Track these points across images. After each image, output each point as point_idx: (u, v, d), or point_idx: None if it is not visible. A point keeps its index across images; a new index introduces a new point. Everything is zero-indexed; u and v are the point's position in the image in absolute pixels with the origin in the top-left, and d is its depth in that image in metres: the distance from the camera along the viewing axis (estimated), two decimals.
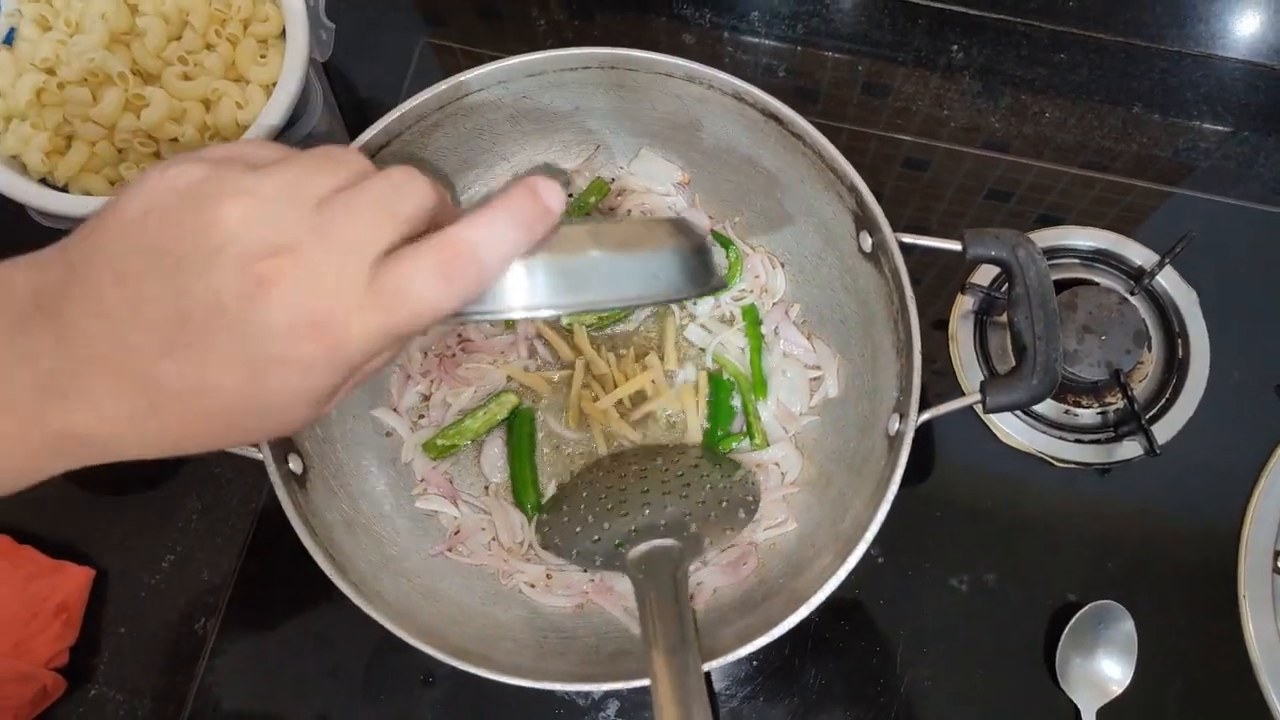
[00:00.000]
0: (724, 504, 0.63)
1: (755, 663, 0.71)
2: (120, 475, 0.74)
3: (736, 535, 0.63)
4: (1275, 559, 0.70)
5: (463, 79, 0.64)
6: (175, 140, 0.73)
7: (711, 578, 0.66)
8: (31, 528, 0.74)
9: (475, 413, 0.70)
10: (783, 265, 0.73)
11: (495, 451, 0.71)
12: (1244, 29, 0.88)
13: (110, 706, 0.71)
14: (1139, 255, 0.77)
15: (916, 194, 0.83)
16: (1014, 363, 0.57)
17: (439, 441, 0.70)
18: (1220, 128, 0.85)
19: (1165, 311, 0.76)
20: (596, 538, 0.63)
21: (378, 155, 0.65)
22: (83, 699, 0.71)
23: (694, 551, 0.60)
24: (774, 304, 0.73)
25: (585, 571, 0.67)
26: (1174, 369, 0.75)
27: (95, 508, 0.76)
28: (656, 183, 0.75)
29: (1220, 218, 0.82)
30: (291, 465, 0.59)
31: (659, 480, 0.66)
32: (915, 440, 0.56)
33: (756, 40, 0.89)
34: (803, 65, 0.88)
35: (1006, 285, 0.58)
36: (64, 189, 0.73)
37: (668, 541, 0.60)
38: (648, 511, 0.63)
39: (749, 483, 0.66)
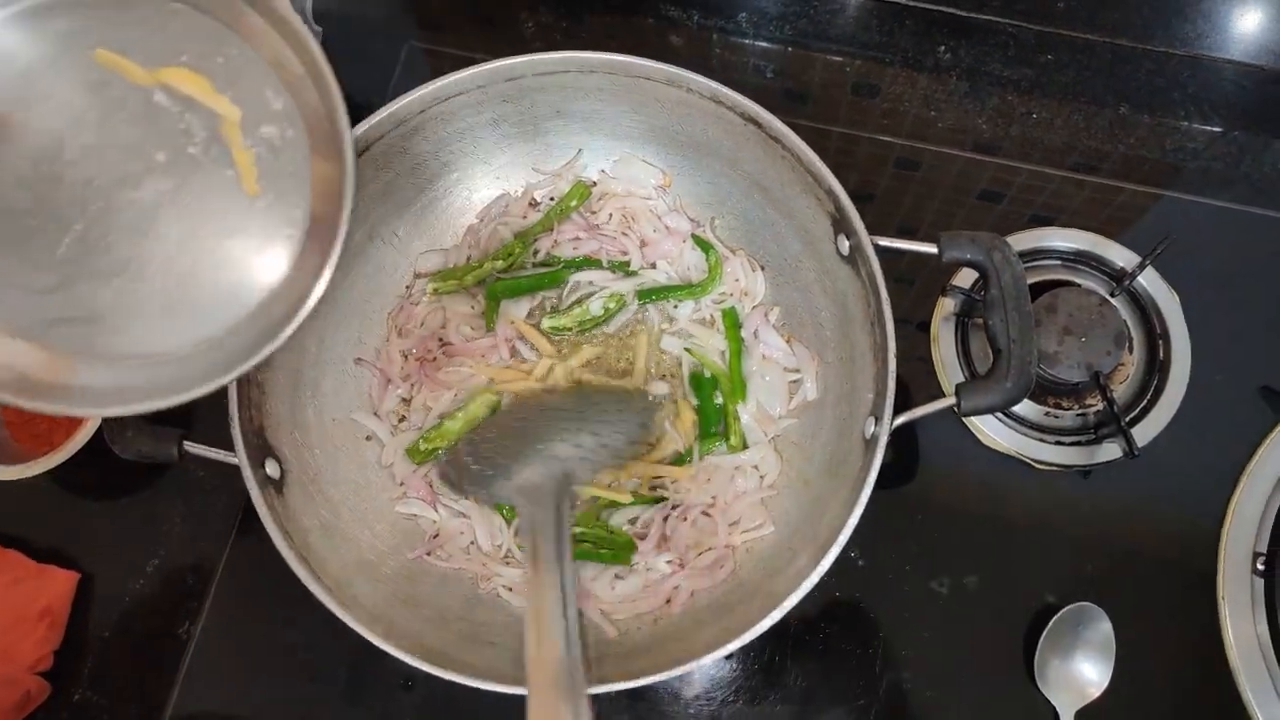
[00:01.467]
0: (616, 434, 0.64)
1: (737, 665, 0.71)
2: (105, 480, 0.75)
3: (623, 462, 0.65)
4: (1255, 560, 0.70)
5: (442, 83, 0.64)
6: None
7: (689, 581, 0.66)
8: (16, 532, 0.75)
9: (455, 414, 0.70)
10: (762, 268, 0.74)
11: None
12: (1231, 29, 0.87)
13: (94, 710, 0.71)
14: (1121, 257, 0.77)
15: (908, 196, 0.83)
16: (993, 359, 0.57)
17: (422, 446, 0.70)
18: (1208, 128, 0.85)
19: (1147, 313, 0.76)
20: (490, 473, 0.62)
21: (364, 155, 0.65)
22: (67, 703, 0.72)
23: (576, 478, 0.61)
24: (754, 307, 0.73)
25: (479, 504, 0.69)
26: (1155, 370, 0.75)
27: (80, 512, 0.76)
28: (638, 185, 0.75)
29: (1204, 219, 0.82)
30: (268, 470, 0.60)
31: (559, 421, 0.65)
32: (896, 443, 0.56)
33: (745, 42, 0.89)
34: (791, 67, 0.88)
35: (982, 285, 0.58)
36: None
37: (550, 469, 0.61)
38: (539, 447, 0.62)
39: (647, 415, 0.68)
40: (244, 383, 0.60)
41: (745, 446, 0.70)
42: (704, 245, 0.74)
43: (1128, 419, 0.73)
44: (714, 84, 0.63)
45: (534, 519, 0.57)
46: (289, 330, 0.50)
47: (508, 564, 0.68)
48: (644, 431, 0.67)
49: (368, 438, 0.71)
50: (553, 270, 0.73)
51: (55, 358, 0.51)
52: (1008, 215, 0.82)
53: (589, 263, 0.74)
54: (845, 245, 0.62)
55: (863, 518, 0.56)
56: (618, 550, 0.67)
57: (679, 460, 0.70)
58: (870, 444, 0.57)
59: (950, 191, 0.84)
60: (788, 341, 0.72)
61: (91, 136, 0.51)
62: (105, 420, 0.58)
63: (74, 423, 0.73)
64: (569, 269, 0.74)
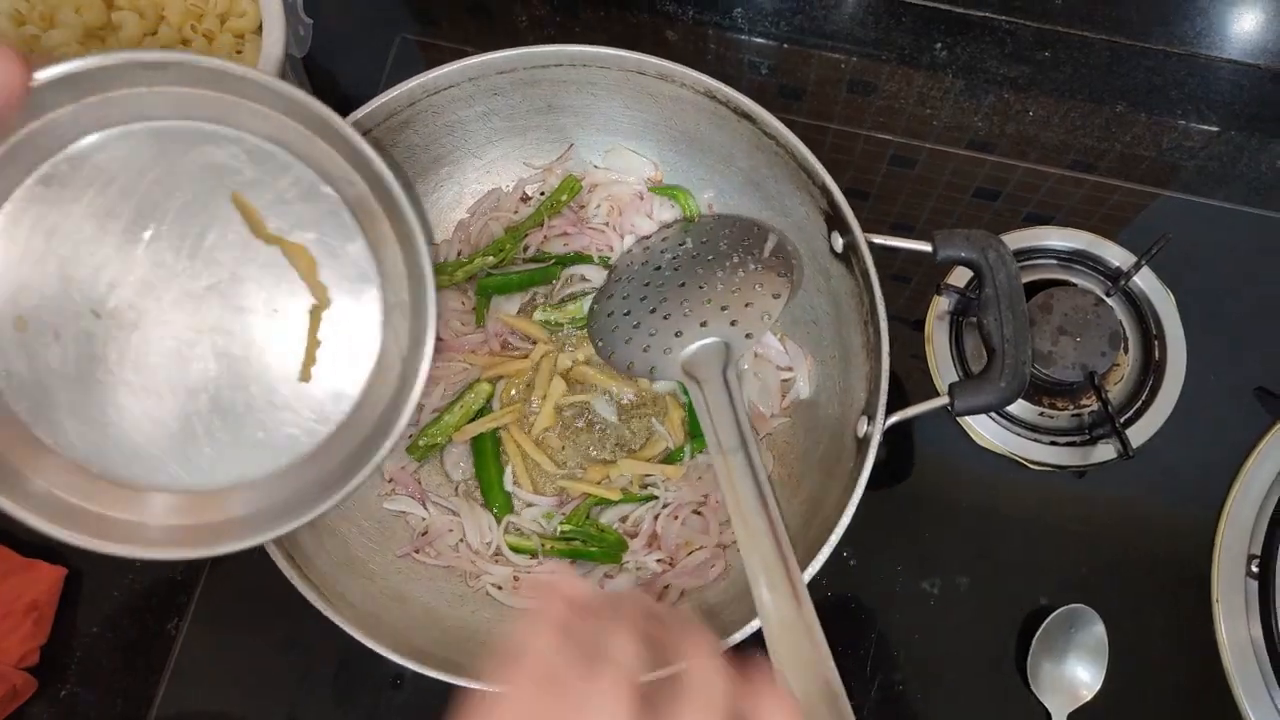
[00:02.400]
0: (758, 287, 0.65)
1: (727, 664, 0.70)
2: None
3: (773, 318, 0.64)
4: (1250, 563, 0.69)
5: (433, 75, 0.64)
6: None
7: (679, 580, 0.65)
8: (3, 525, 0.74)
9: (452, 407, 0.70)
10: None
11: (459, 450, 0.70)
12: (1230, 28, 0.87)
13: (81, 706, 0.71)
14: (1117, 256, 0.77)
15: (903, 193, 0.83)
16: (986, 359, 0.57)
17: (421, 442, 0.69)
18: (1205, 127, 0.85)
19: (1142, 313, 0.76)
20: (645, 346, 0.65)
21: None
22: (54, 698, 0.71)
23: (740, 347, 0.63)
24: None
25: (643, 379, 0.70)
26: (1150, 370, 0.74)
27: None
28: (627, 174, 0.74)
29: (1201, 219, 0.81)
30: None
31: (696, 283, 0.67)
32: (890, 442, 0.56)
33: (740, 38, 0.88)
34: (787, 63, 0.87)
35: (977, 284, 0.57)
36: None
37: (711, 339, 0.63)
38: (687, 313, 0.65)
39: (783, 249, 0.67)
40: None
41: None
42: (673, 193, 0.73)
43: (1123, 419, 0.73)
44: (708, 79, 0.62)
45: (706, 401, 0.59)
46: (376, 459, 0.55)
47: (497, 562, 0.67)
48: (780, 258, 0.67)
49: None
50: (544, 266, 0.73)
51: (195, 499, 0.55)
52: (1004, 213, 0.82)
53: (580, 259, 0.73)
54: (839, 243, 0.61)
55: (855, 517, 0.56)
56: (608, 549, 0.67)
57: (670, 458, 0.69)
58: (863, 444, 0.57)
59: (946, 189, 0.83)
60: (781, 339, 0.71)
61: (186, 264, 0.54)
62: None
63: None
64: (560, 265, 0.73)
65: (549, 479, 0.70)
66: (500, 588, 0.66)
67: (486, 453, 0.69)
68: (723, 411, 0.57)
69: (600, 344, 0.68)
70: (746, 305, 0.64)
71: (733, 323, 0.63)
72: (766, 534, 0.51)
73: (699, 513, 0.68)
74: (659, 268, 0.69)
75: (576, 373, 0.71)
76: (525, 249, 0.74)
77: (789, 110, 0.85)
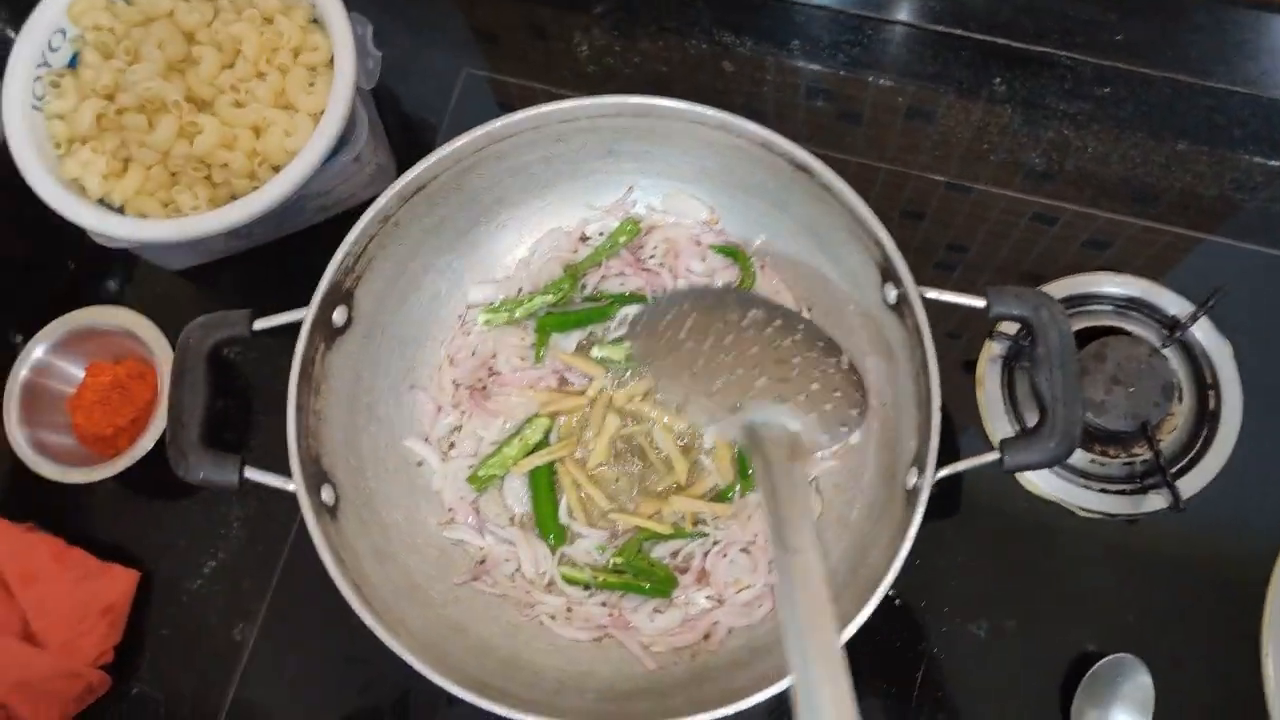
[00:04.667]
0: (835, 394, 0.59)
1: (773, 699, 0.71)
2: (166, 485, 0.77)
3: (845, 438, 0.61)
4: None
5: (498, 125, 0.65)
6: (226, 165, 0.76)
7: (727, 617, 0.67)
8: (82, 532, 0.77)
9: (511, 440, 0.72)
10: (809, 309, 0.74)
11: (518, 482, 0.73)
12: None
13: (151, 705, 0.75)
14: (1173, 304, 0.76)
15: (956, 227, 0.83)
16: (1038, 413, 0.57)
17: (481, 474, 0.71)
18: (1270, 163, 0.83)
19: (1198, 362, 0.75)
20: (709, 391, 0.59)
21: (419, 193, 0.67)
22: (125, 696, 0.75)
23: (811, 446, 0.58)
24: None
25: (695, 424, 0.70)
26: (1204, 421, 0.74)
27: (142, 512, 0.79)
28: (684, 218, 0.76)
29: (1260, 267, 0.80)
30: (324, 496, 0.61)
31: (774, 355, 0.60)
32: (940, 484, 0.56)
33: (798, 66, 0.89)
34: (845, 90, 0.88)
35: (1029, 339, 0.58)
36: (120, 210, 0.76)
37: (783, 424, 0.57)
38: (761, 381, 0.58)
39: (853, 376, 0.60)
40: (302, 411, 0.62)
41: None
42: (731, 253, 0.74)
43: (1174, 469, 0.72)
44: (764, 131, 0.63)
45: (773, 485, 0.52)
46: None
47: (550, 592, 0.69)
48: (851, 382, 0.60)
49: (419, 464, 0.73)
50: (600, 306, 0.75)
51: None
52: (1059, 253, 0.81)
53: (635, 298, 0.75)
54: (892, 294, 0.62)
55: (899, 570, 0.56)
56: (658, 584, 0.68)
57: (720, 496, 0.71)
58: (912, 495, 0.58)
59: (999, 225, 0.83)
60: None
61: None
62: (168, 443, 0.60)
63: (138, 429, 0.77)
64: (617, 303, 0.75)
65: (602, 512, 0.72)
66: (554, 618, 0.68)
67: (542, 485, 0.71)
68: (791, 505, 0.51)
69: (648, 361, 0.64)
70: (826, 407, 0.58)
71: (809, 415, 0.58)
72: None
73: (747, 551, 0.69)
74: (727, 320, 0.61)
75: (632, 408, 0.73)
76: (583, 288, 0.76)
77: (846, 140, 0.85)
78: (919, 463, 0.58)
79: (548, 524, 0.70)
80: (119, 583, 0.75)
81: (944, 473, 0.57)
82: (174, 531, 0.79)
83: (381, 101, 0.88)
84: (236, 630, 0.76)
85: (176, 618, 0.77)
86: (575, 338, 0.75)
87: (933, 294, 0.59)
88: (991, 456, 0.57)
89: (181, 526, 0.79)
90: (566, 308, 0.75)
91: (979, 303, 0.58)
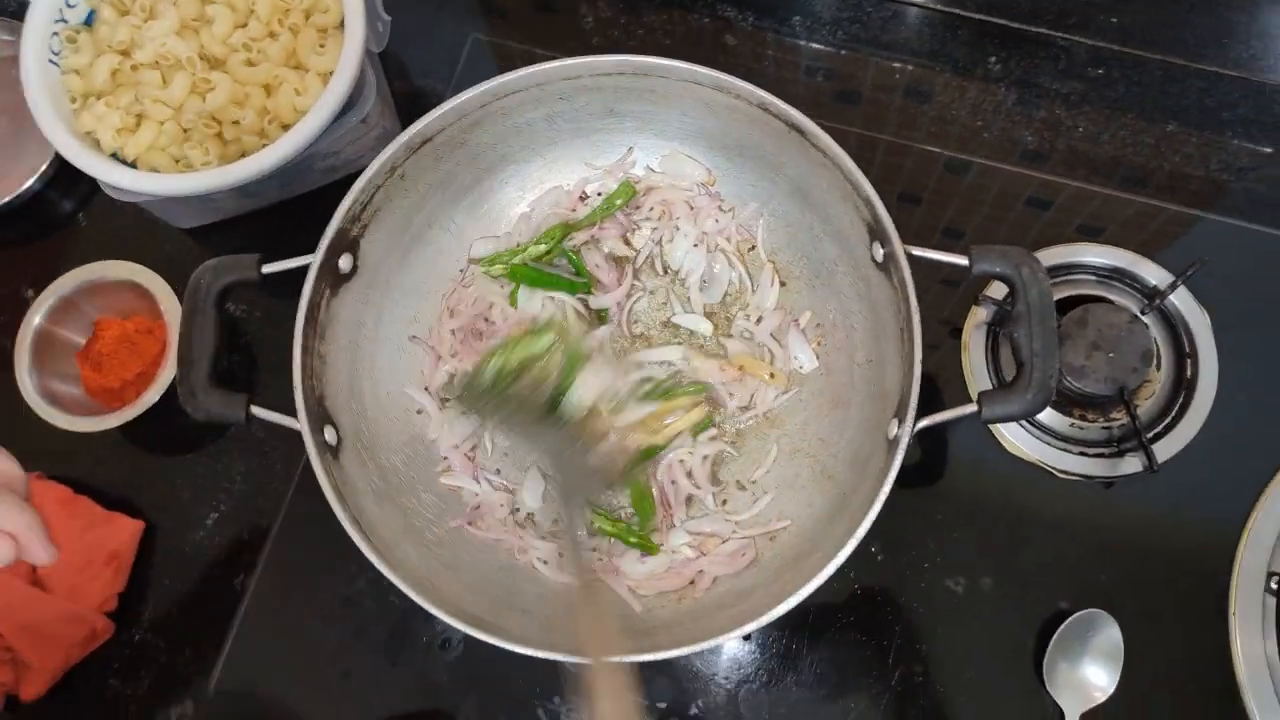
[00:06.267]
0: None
1: (755, 649, 0.74)
2: (171, 437, 0.80)
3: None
4: (1269, 580, 0.71)
5: (503, 80, 0.67)
6: (237, 123, 0.77)
7: (712, 567, 0.69)
8: (88, 481, 0.79)
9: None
10: (783, 283, 0.77)
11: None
12: None
13: (152, 651, 0.76)
14: (1154, 275, 0.78)
15: (953, 203, 0.85)
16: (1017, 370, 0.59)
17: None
18: (1256, 148, 0.85)
19: (1176, 331, 0.77)
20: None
21: (426, 145, 0.68)
22: (128, 643, 0.77)
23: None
24: (772, 310, 0.76)
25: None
26: (1181, 388, 0.76)
27: (146, 465, 0.81)
28: (681, 179, 0.78)
29: (1241, 242, 0.82)
30: (327, 436, 0.63)
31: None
32: (922, 444, 0.59)
33: (798, 43, 0.90)
34: (844, 69, 0.89)
35: (1010, 298, 0.59)
36: (133, 164, 0.78)
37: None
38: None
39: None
40: (307, 353, 0.64)
41: None
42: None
43: (1151, 434, 0.74)
44: (761, 92, 0.65)
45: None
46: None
47: (543, 538, 0.71)
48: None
49: (419, 411, 0.75)
50: (572, 280, 0.76)
51: None
52: (1050, 227, 0.83)
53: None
54: (880, 253, 0.64)
55: (885, 515, 0.58)
56: (642, 539, 0.70)
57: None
58: (893, 444, 0.60)
59: (995, 201, 0.85)
60: (817, 344, 0.75)
61: None
62: (178, 382, 0.61)
63: (145, 383, 0.78)
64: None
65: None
66: (545, 561, 0.70)
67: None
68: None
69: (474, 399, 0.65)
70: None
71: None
72: None
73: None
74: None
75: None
76: (571, 239, 0.78)
77: (845, 115, 0.87)
78: (900, 414, 0.60)
79: None
80: (124, 531, 0.77)
81: (924, 423, 0.59)
82: (178, 484, 0.80)
83: (389, 68, 0.89)
84: (237, 580, 0.78)
85: (178, 568, 0.78)
86: (540, 296, 0.76)
87: (918, 251, 0.61)
88: (970, 409, 0.59)
89: (185, 479, 0.81)
90: (549, 267, 0.76)
91: (962, 260, 0.60)
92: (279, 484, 0.80)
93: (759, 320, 0.75)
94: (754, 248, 0.77)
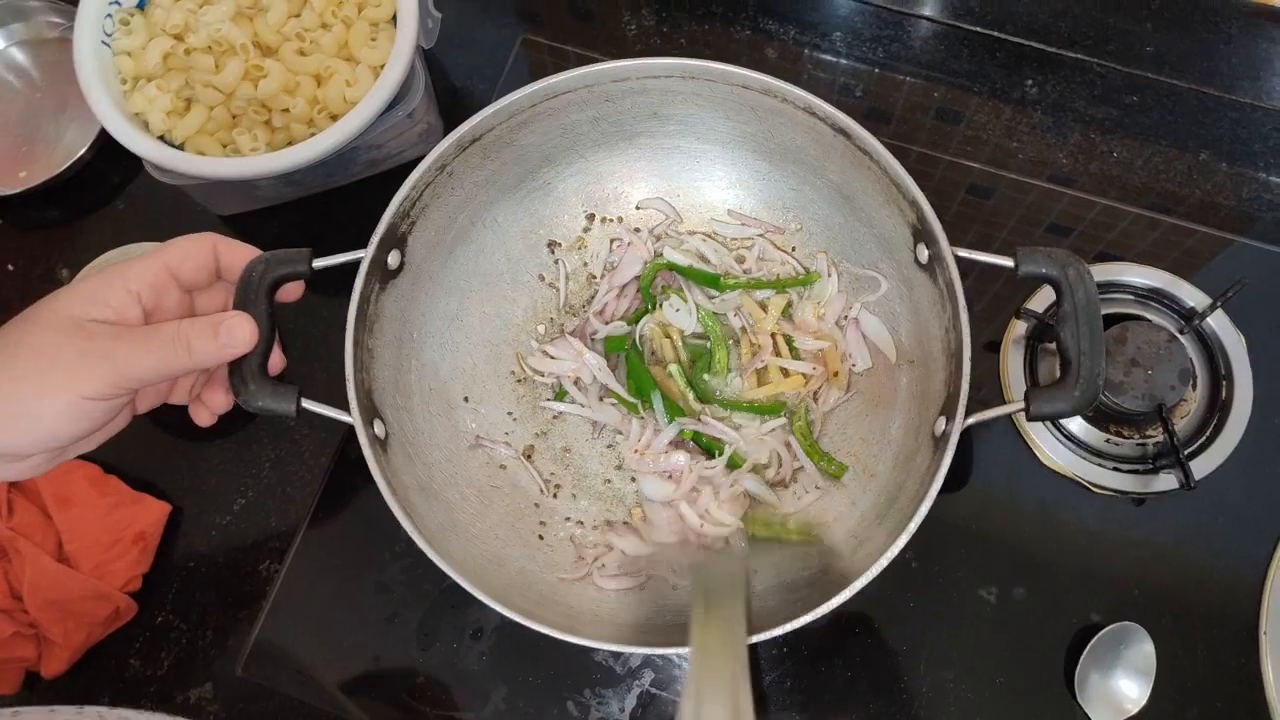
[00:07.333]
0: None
1: (788, 648, 0.74)
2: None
3: None
4: None
5: (554, 80, 0.68)
6: (286, 111, 0.78)
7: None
8: (115, 461, 0.79)
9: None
10: (839, 273, 0.77)
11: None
12: None
13: (175, 634, 0.76)
14: (1191, 297, 0.79)
15: (979, 221, 0.86)
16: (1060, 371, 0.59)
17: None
18: None
19: (1213, 353, 0.78)
20: None
21: (475, 144, 0.69)
22: (150, 624, 0.76)
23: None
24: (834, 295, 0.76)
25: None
26: (1216, 409, 0.76)
27: (174, 448, 0.81)
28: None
29: (1276, 268, 0.83)
30: (376, 429, 0.63)
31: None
32: (956, 453, 0.58)
33: (835, 60, 0.92)
34: (879, 87, 0.91)
35: (1056, 301, 0.60)
36: (180, 148, 0.78)
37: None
38: None
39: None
40: (358, 346, 0.63)
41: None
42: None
43: (1186, 452, 0.75)
44: (809, 96, 0.66)
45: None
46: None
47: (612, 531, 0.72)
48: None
49: (465, 399, 0.75)
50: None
51: None
52: (1079, 248, 0.84)
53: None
54: (924, 254, 0.64)
55: (921, 522, 0.58)
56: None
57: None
58: (941, 441, 0.60)
59: (1022, 221, 0.86)
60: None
61: None
62: (230, 373, 0.60)
63: None
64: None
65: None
66: (604, 566, 0.69)
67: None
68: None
69: None
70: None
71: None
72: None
73: None
74: None
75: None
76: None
77: (876, 132, 0.85)
78: (948, 410, 0.60)
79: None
80: (151, 512, 0.77)
81: (972, 420, 0.58)
82: (206, 469, 0.80)
83: (434, 67, 0.91)
84: (264, 566, 0.77)
85: (204, 552, 0.78)
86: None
87: (964, 253, 0.61)
88: (1018, 405, 0.59)
89: (214, 465, 0.81)
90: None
91: (1008, 262, 0.60)
92: (308, 472, 0.80)
93: (821, 315, 0.76)
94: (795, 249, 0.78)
